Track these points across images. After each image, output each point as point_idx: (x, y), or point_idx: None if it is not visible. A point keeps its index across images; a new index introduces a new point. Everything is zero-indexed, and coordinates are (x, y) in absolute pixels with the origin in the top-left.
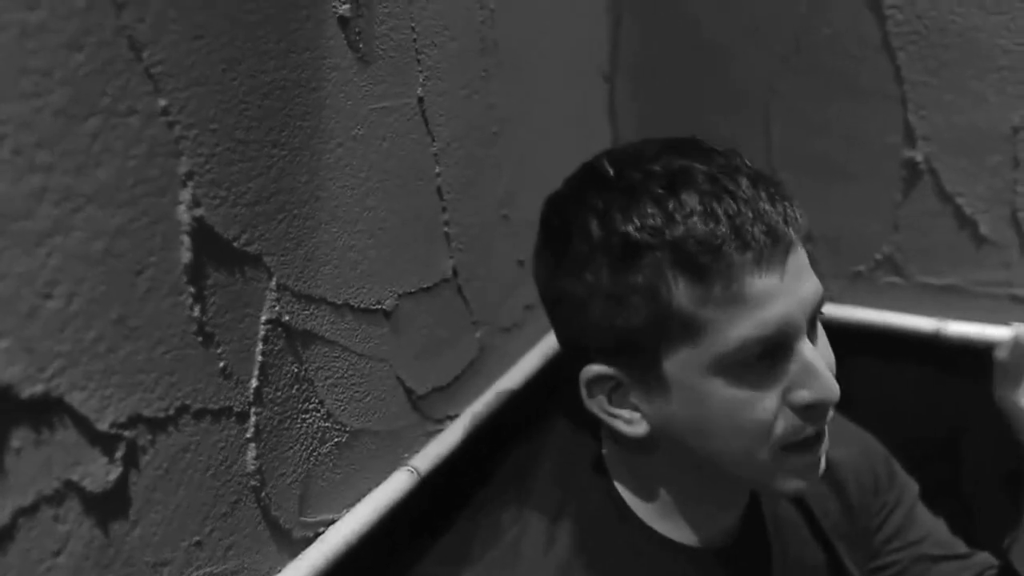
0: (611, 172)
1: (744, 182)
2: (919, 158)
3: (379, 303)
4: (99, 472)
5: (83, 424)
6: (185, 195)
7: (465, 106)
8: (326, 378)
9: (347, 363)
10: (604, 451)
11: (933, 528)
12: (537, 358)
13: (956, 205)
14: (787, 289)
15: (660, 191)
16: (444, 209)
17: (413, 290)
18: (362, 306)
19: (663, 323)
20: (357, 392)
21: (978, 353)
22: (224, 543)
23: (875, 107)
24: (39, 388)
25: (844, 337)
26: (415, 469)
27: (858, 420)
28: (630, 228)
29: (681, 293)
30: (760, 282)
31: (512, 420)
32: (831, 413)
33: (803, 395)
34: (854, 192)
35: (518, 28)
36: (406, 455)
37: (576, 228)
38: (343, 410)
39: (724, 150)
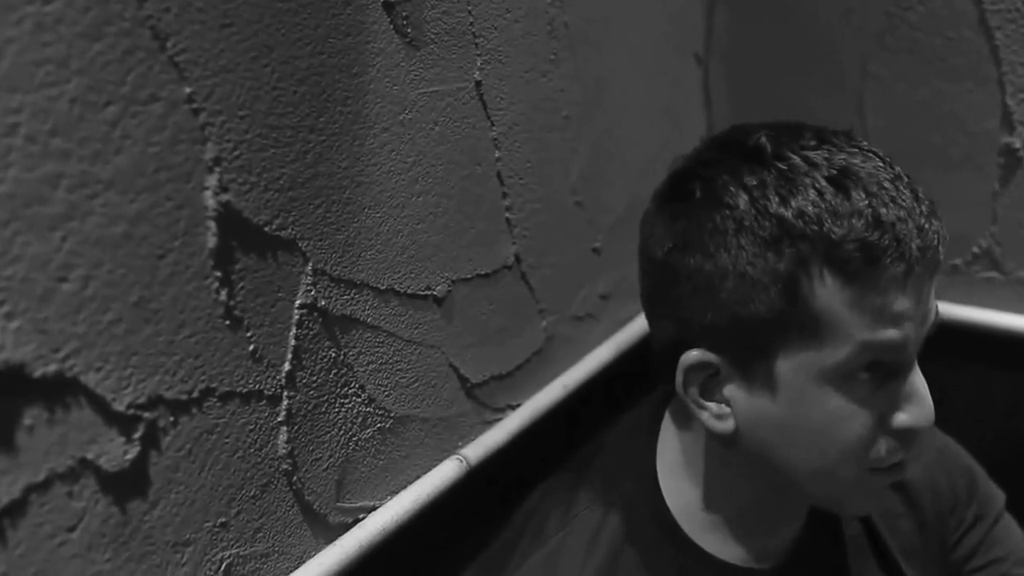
0: (769, 149)
1: (906, 191)
2: (1018, 144)
3: (429, 288)
4: (116, 451)
5: (99, 404)
6: (211, 181)
7: (530, 90)
8: (368, 363)
9: (392, 349)
10: (659, 456)
11: (1017, 545)
12: (610, 350)
13: None
14: (919, 309)
15: (824, 182)
16: (505, 195)
17: (469, 276)
18: (409, 291)
19: (792, 317)
20: (403, 378)
21: None
22: (252, 525)
23: (971, 90)
24: (52, 368)
25: (938, 336)
26: (464, 458)
27: (949, 425)
28: (787, 212)
29: (825, 292)
30: (903, 298)
31: (578, 414)
32: (920, 442)
33: (902, 418)
34: (949, 181)
35: (596, 10)
36: (459, 443)
37: (722, 202)
38: (387, 396)
39: (881, 153)
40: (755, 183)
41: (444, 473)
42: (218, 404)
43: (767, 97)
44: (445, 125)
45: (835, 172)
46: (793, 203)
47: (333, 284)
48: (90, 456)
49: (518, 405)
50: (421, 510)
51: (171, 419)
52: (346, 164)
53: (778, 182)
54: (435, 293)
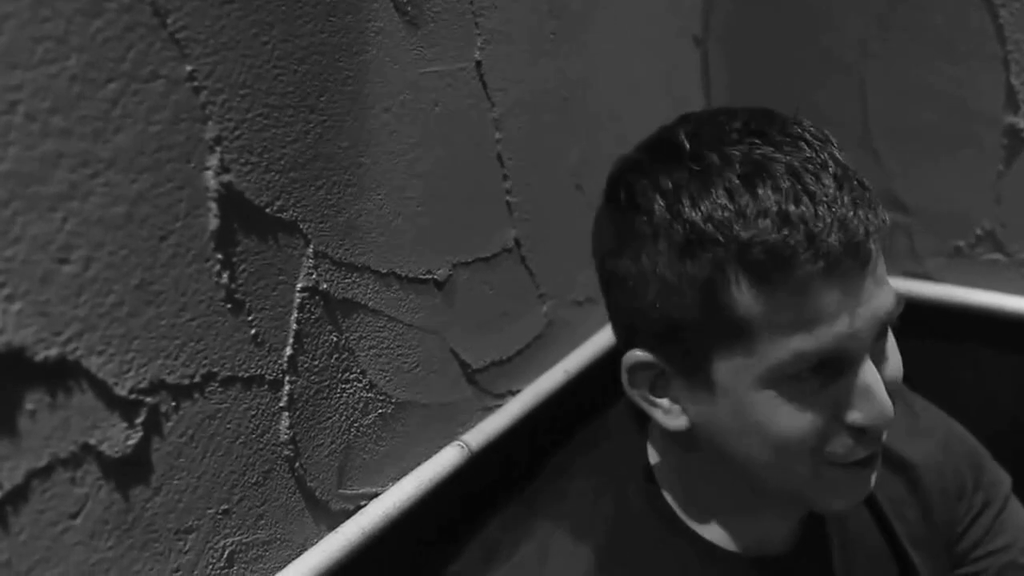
0: (687, 147)
1: (828, 181)
2: (1022, 124)
3: (430, 272)
4: (118, 437)
5: (101, 388)
6: (212, 161)
7: (530, 71)
8: (369, 348)
9: (393, 333)
10: (650, 446)
11: None
12: (611, 335)
13: None
14: (857, 304)
15: (736, 181)
16: (505, 177)
17: (469, 260)
18: (410, 275)
19: (716, 322)
20: (405, 363)
21: None
22: (254, 512)
23: (975, 70)
24: (54, 351)
25: (941, 319)
26: (466, 444)
27: (953, 409)
28: (696, 217)
29: (741, 295)
30: (829, 295)
31: (579, 399)
32: (881, 439)
33: (856, 416)
34: (952, 161)
35: None
36: (460, 429)
37: (640, 205)
38: (388, 381)
39: (815, 136)
40: (670, 186)
41: (445, 459)
42: (220, 389)
43: (766, 78)
44: (445, 106)
45: (748, 169)
46: (703, 207)
47: (335, 267)
48: (92, 441)
49: (518, 391)
50: (423, 497)
51: (173, 404)
52: (347, 145)
53: (691, 184)
54: (436, 277)
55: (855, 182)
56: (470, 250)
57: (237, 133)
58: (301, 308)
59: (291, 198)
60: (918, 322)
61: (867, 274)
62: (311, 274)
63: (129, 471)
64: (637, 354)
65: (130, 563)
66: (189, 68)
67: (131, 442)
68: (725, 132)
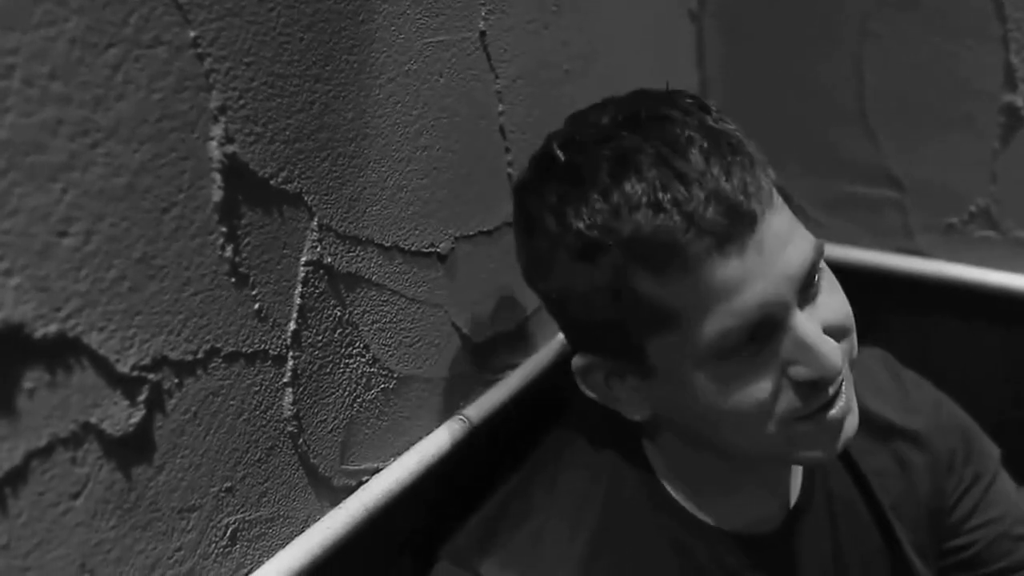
0: (561, 157)
1: (696, 157)
2: (1020, 103)
3: (433, 246)
4: (120, 415)
5: (102, 366)
6: (217, 131)
7: (533, 42)
8: (372, 322)
9: (396, 307)
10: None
11: (1015, 503)
12: None
13: None
14: (762, 266)
15: (607, 180)
16: (508, 149)
17: (472, 233)
18: (414, 248)
19: (637, 317)
20: (407, 337)
21: None
22: (258, 490)
23: (974, 48)
24: (53, 328)
25: (934, 294)
26: (467, 418)
27: (945, 384)
28: (581, 225)
29: (648, 289)
30: (726, 267)
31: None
32: (838, 383)
33: (801, 371)
34: (948, 139)
35: None
36: (462, 403)
37: (535, 223)
38: (391, 356)
39: (685, 110)
40: (555, 200)
41: (447, 434)
42: (223, 365)
43: (762, 55)
44: (450, 77)
45: (614, 165)
46: (585, 212)
47: (339, 240)
48: (93, 420)
49: (516, 364)
50: (425, 471)
51: (176, 381)
52: (352, 115)
53: (570, 192)
54: (439, 250)
55: (726, 146)
56: (473, 223)
57: (242, 102)
58: (305, 282)
59: (296, 169)
60: (910, 298)
61: (761, 236)
62: (316, 247)
63: (131, 450)
64: (580, 358)
65: (132, 543)
66: (193, 34)
67: (133, 420)
68: (596, 130)
